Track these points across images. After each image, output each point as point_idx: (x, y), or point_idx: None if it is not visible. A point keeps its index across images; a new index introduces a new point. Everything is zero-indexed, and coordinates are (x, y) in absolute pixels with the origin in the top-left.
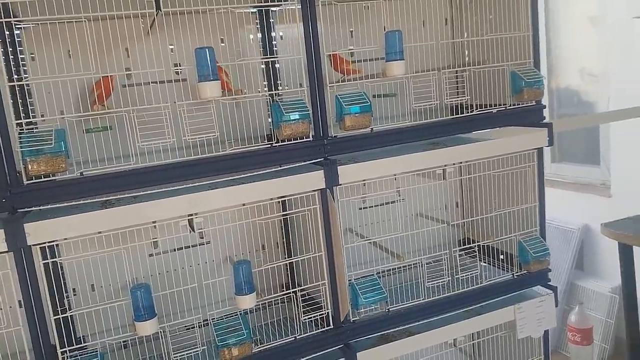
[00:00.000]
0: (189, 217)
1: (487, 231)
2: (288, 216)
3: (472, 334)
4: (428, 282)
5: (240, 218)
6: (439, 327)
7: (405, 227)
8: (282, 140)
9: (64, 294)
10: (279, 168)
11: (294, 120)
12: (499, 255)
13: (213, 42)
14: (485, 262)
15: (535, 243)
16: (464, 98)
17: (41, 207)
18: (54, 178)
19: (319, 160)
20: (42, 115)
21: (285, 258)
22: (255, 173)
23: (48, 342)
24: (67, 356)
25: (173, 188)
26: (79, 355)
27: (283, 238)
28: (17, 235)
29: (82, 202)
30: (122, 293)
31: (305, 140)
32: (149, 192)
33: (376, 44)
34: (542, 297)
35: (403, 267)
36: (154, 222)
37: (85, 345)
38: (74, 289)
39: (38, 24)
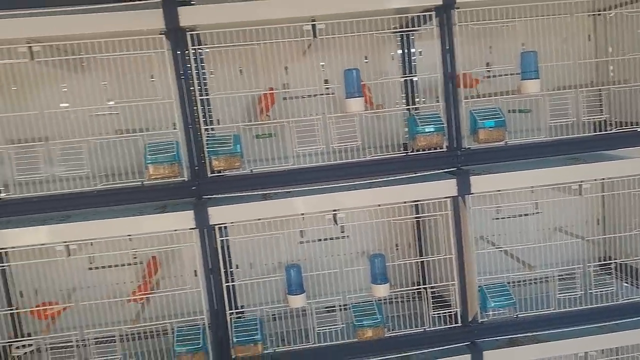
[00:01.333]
0: (334, 212)
1: (627, 249)
2: (421, 219)
3: (608, 350)
4: (559, 294)
5: (377, 218)
6: (569, 339)
7: (538, 239)
8: (417, 150)
9: (229, 269)
10: (413, 175)
11: (429, 132)
12: None
13: (358, 60)
14: (626, 283)
15: None
16: (602, 116)
17: (218, 196)
18: (230, 173)
19: (452, 169)
20: (219, 122)
21: (412, 258)
22: (392, 178)
23: (222, 304)
24: (233, 318)
25: (320, 187)
26: (242, 318)
27: (415, 239)
28: (202, 216)
29: (247, 193)
30: (271, 273)
31: (439, 150)
32: (301, 189)
33: (513, 60)
34: None
35: (534, 279)
36: (302, 214)
37: (243, 312)
38: (236, 265)
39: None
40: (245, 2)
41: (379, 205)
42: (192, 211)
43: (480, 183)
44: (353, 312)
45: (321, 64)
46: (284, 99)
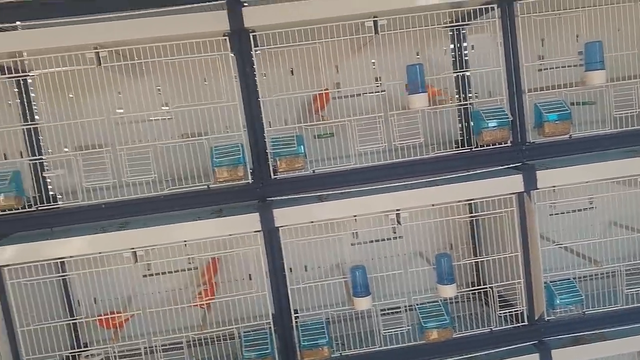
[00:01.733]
0: (397, 212)
1: None
2: (476, 218)
3: None
4: (627, 289)
5: (432, 217)
6: (637, 335)
7: (598, 234)
8: (482, 145)
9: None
10: (469, 172)
11: (496, 127)
12: None
13: (409, 56)
14: None
15: None
16: None
17: (277, 198)
18: (293, 174)
19: (516, 164)
20: (270, 124)
21: (471, 257)
22: (455, 175)
23: (287, 306)
24: (299, 320)
25: (377, 187)
26: (308, 320)
27: (470, 238)
28: (268, 218)
29: (311, 194)
30: (326, 275)
31: (503, 145)
32: (356, 189)
33: (569, 51)
34: None
35: (599, 274)
36: (354, 215)
37: (297, 316)
38: (290, 268)
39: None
40: (308, 1)
41: (433, 205)
42: (257, 213)
43: (546, 178)
44: (419, 314)
45: (372, 61)
46: (334, 98)
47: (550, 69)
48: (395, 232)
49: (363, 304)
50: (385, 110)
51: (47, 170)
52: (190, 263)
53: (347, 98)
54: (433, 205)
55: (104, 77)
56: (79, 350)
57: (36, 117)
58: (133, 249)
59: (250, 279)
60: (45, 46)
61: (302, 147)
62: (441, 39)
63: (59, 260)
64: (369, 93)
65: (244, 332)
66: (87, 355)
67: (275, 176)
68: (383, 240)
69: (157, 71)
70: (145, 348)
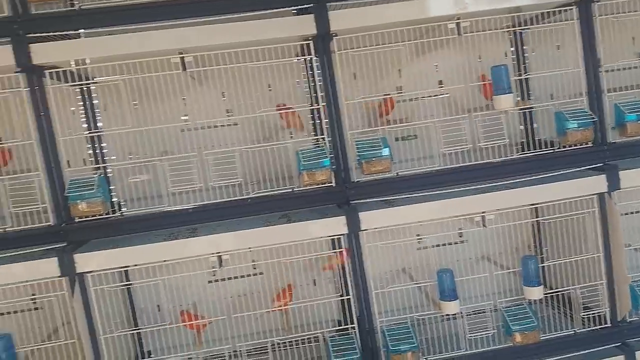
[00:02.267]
0: (483, 214)
1: None
2: (545, 221)
3: None
4: None
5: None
6: None
7: None
8: (564, 146)
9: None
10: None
11: (581, 127)
12: None
13: (470, 60)
14: None
15: None
16: None
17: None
18: (375, 177)
19: (598, 165)
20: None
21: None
22: (541, 176)
23: (369, 310)
24: (384, 324)
25: (453, 190)
26: (394, 324)
27: (532, 241)
28: (355, 222)
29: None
30: (391, 281)
31: (585, 146)
32: (437, 192)
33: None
34: None
35: None
36: (419, 222)
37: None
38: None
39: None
40: (396, 4)
41: (497, 210)
42: (344, 217)
43: (629, 178)
44: (507, 316)
45: (434, 64)
46: (398, 102)
47: (606, 72)
48: (461, 236)
49: (451, 307)
50: (447, 115)
51: (110, 178)
52: (254, 269)
53: (407, 102)
54: (498, 210)
55: (168, 83)
56: (164, 357)
57: (99, 124)
58: (219, 253)
59: (314, 284)
60: (131, 51)
61: (387, 149)
62: (499, 42)
63: (124, 269)
64: (434, 96)
65: (330, 338)
66: None
67: (358, 179)
68: (445, 245)
69: (223, 77)
70: (229, 353)
